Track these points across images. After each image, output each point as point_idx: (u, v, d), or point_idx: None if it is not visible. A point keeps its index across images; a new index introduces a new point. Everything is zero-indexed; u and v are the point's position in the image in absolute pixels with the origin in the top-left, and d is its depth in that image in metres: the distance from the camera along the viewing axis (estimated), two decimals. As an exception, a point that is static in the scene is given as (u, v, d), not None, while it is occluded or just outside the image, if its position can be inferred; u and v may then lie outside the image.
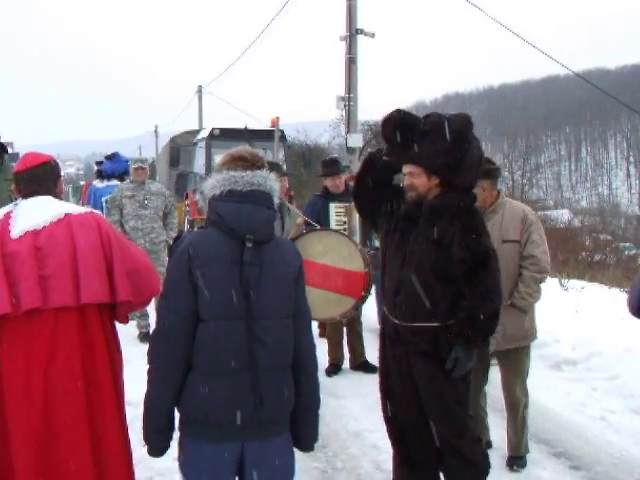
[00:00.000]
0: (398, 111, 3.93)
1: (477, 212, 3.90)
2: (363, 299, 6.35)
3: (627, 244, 34.12)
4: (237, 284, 2.64)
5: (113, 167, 10.36)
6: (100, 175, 10.35)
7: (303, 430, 2.90)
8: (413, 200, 3.89)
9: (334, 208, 7.01)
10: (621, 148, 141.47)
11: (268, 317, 2.69)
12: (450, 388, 3.80)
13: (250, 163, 2.76)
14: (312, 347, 2.90)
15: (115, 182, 9.99)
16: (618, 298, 11.08)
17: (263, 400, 2.65)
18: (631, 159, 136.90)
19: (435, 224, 3.78)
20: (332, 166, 7.35)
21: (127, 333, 7.76)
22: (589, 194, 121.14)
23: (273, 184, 2.77)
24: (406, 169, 3.91)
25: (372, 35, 17.20)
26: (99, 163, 10.85)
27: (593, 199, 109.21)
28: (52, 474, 3.03)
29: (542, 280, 4.78)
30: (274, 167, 6.33)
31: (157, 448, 2.77)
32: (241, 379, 2.63)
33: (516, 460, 4.83)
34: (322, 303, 5.67)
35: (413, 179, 3.85)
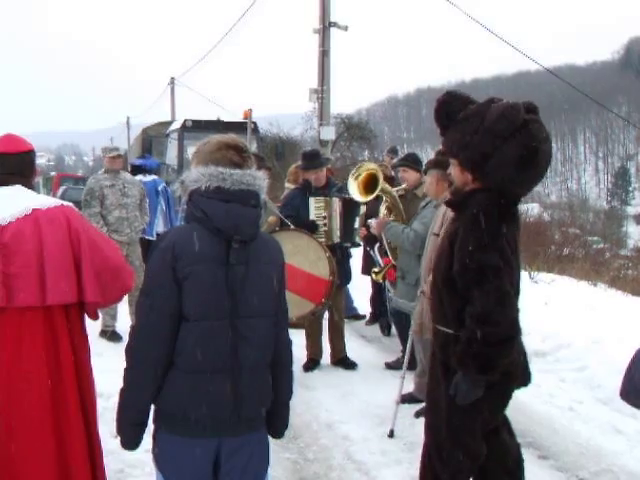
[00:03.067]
0: (447, 94, 3.50)
1: (487, 220, 3.21)
2: (322, 305, 6.43)
3: (595, 238, 34.53)
4: (223, 284, 2.59)
5: (148, 163, 10.47)
6: (140, 171, 10.26)
7: (276, 421, 2.90)
8: (451, 192, 3.54)
9: (314, 202, 6.80)
10: (590, 143, 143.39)
11: (254, 316, 2.66)
12: (445, 404, 3.38)
13: (247, 154, 2.69)
14: (289, 343, 2.89)
15: (153, 176, 10.19)
16: (586, 291, 11.25)
17: (244, 398, 2.63)
18: (600, 154, 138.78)
19: (452, 224, 3.44)
20: (314, 159, 7.09)
21: (99, 325, 7.72)
22: (559, 189, 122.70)
23: (262, 183, 2.69)
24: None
25: (345, 28, 17.25)
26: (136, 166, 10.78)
27: (562, 193, 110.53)
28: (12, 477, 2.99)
29: None
30: (258, 159, 6.28)
31: (132, 441, 2.73)
32: (223, 378, 2.61)
33: None
34: None
35: (452, 169, 3.48)
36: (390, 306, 6.78)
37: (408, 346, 5.57)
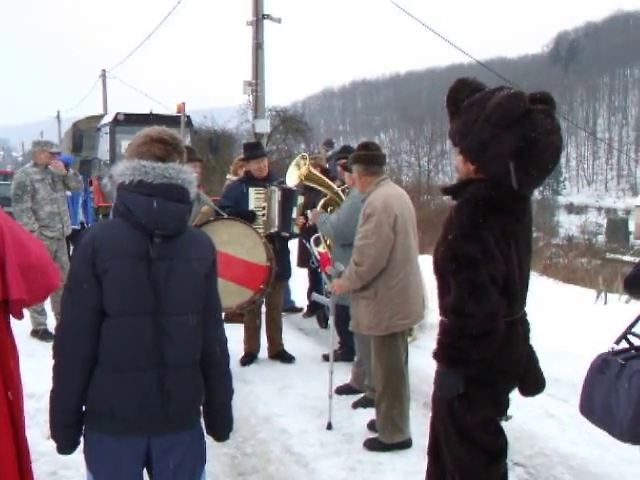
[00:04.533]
0: (457, 81, 3.37)
1: (472, 211, 3.07)
2: (262, 292, 6.44)
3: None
4: (144, 280, 2.54)
5: (63, 158, 10.47)
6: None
7: (218, 423, 2.87)
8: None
9: (253, 193, 6.86)
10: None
11: (178, 313, 2.61)
12: (445, 409, 3.26)
13: (172, 147, 2.63)
14: (224, 341, 2.84)
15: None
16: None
17: (171, 396, 2.59)
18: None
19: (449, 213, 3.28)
20: (255, 149, 7.22)
21: (30, 326, 7.54)
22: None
23: (187, 176, 2.63)
24: None
25: (279, 20, 17.18)
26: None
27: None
28: None
29: (359, 272, 4.78)
30: (188, 152, 6.22)
31: (66, 445, 2.68)
32: (148, 376, 2.56)
33: (371, 441, 4.95)
34: (221, 292, 5.67)
35: (456, 159, 3.33)
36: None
37: (331, 342, 5.58)
